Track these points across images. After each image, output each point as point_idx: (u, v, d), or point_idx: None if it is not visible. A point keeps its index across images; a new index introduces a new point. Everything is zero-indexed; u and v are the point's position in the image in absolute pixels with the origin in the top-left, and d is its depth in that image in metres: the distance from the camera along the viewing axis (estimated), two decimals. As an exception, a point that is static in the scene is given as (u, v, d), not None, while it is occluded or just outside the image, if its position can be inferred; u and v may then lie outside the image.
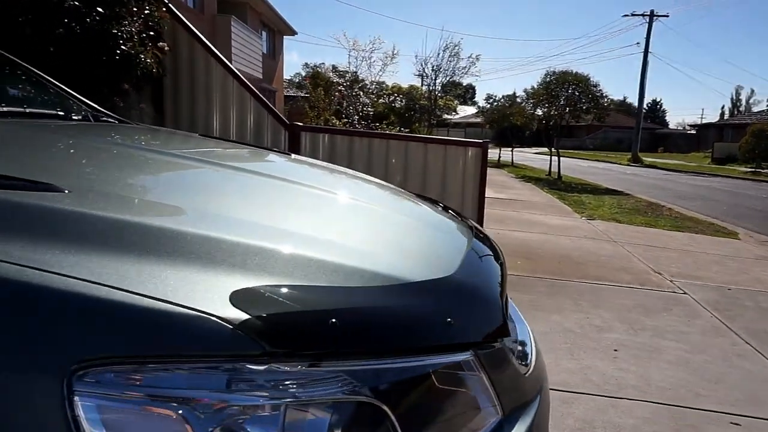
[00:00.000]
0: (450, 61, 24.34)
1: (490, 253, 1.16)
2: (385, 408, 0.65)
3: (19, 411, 0.52)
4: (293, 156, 2.00)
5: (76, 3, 3.65)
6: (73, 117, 1.74)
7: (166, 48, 4.59)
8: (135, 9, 4.18)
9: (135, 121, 4.38)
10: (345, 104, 14.80)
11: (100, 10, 3.77)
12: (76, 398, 0.53)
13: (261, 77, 20.36)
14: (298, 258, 0.76)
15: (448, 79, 25.65)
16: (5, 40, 3.59)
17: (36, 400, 0.53)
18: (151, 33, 4.28)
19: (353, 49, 21.05)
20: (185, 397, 0.56)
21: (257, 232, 0.79)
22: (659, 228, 8.46)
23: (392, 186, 1.71)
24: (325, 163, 2.02)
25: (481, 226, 4.65)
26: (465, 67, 24.67)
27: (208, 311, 0.59)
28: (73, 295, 0.56)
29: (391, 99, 23.88)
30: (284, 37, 26.39)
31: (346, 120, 14.05)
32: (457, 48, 24.23)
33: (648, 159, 33.06)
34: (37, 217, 0.69)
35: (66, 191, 0.78)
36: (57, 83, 2.15)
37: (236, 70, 4.90)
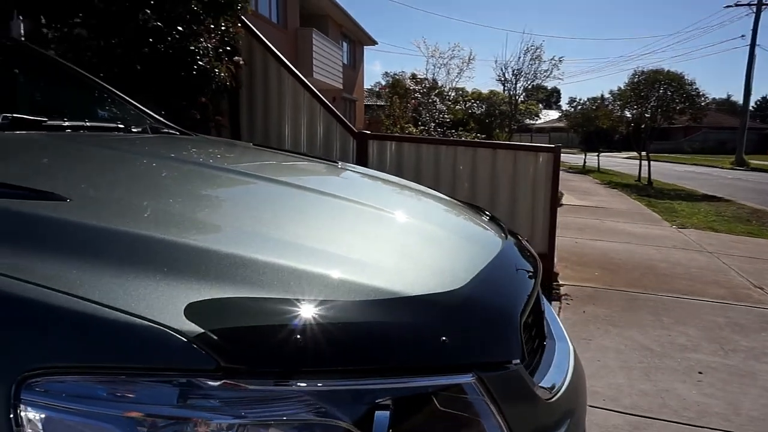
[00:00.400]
0: (531, 65, 23.63)
1: (519, 266, 1.07)
2: None
3: None
4: (339, 165, 2.00)
5: (159, 24, 3.90)
6: (133, 129, 1.85)
7: (242, 62, 4.79)
8: (212, 26, 4.41)
9: (213, 132, 4.62)
10: (422, 112, 14.79)
11: (180, 28, 4.01)
12: (21, 406, 0.54)
13: (341, 87, 20.85)
14: (281, 269, 0.73)
15: (530, 83, 24.92)
16: (102, 61, 3.92)
17: None
18: (227, 48, 4.49)
19: (431, 56, 21.05)
20: (136, 411, 0.55)
21: (246, 243, 0.77)
22: (764, 238, 7.68)
23: (432, 192, 1.65)
24: (365, 170, 2.00)
25: (552, 234, 4.43)
26: (547, 70, 23.84)
27: (163, 322, 0.58)
28: (26, 302, 0.57)
29: (467, 105, 23.57)
30: (365, 47, 26.90)
31: (423, 127, 14.04)
32: (538, 51, 23.47)
33: (755, 162, 30.21)
34: (16, 223, 0.71)
35: (68, 200, 0.80)
36: (124, 96, 2.29)
37: (307, 81, 5.03)
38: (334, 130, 4.92)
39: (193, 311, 0.60)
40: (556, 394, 0.93)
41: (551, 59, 23.61)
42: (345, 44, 23.58)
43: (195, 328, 0.58)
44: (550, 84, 36.30)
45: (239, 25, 4.68)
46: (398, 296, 0.74)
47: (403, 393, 0.67)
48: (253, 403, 0.58)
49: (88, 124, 1.66)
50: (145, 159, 1.29)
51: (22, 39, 3.96)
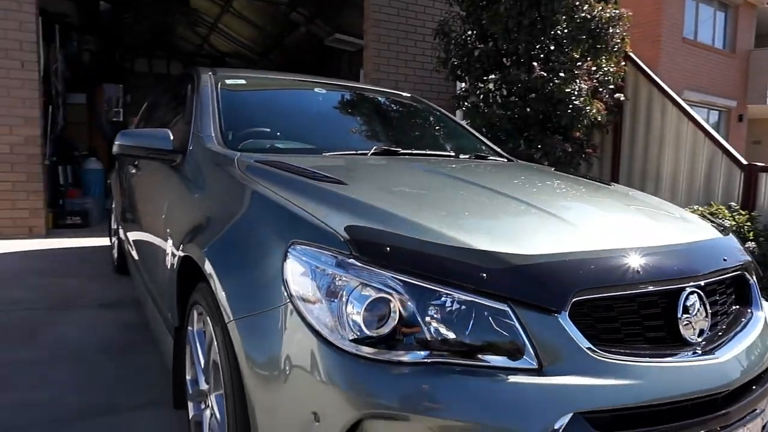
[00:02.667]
0: None
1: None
2: (409, 305, 1.12)
3: (265, 265, 1.28)
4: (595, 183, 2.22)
5: (543, 74, 4.63)
6: (461, 156, 2.59)
7: (622, 98, 5.03)
8: (593, 68, 4.86)
9: (582, 163, 5.01)
10: None
11: (561, 74, 4.64)
12: (289, 258, 1.25)
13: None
14: (431, 231, 1.22)
15: None
16: (502, 106, 4.94)
17: (273, 255, 1.28)
18: (610, 87, 4.83)
19: None
20: (324, 266, 1.18)
21: (431, 219, 1.26)
22: None
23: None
24: (583, 180, 2.15)
25: None
26: None
27: (334, 229, 1.21)
28: (280, 207, 1.34)
29: None
30: None
31: None
32: None
33: None
34: (321, 189, 1.47)
35: (346, 184, 1.55)
36: (477, 135, 3.09)
37: (691, 112, 4.81)
38: (718, 162, 4.55)
39: (350, 229, 1.22)
40: (621, 361, 1.12)
41: None
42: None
43: (345, 234, 1.20)
44: None
45: (623, 64, 4.95)
46: (475, 249, 1.17)
47: (457, 302, 1.12)
48: (368, 275, 1.14)
49: (428, 152, 2.51)
50: (427, 172, 1.96)
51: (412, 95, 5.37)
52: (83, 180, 7.23)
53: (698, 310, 1.31)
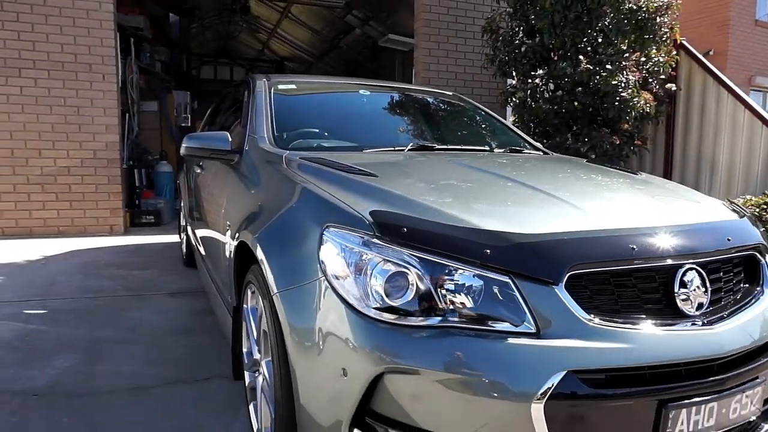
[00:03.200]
0: None
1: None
2: (424, 278, 1.29)
3: (304, 245, 1.50)
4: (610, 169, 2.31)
5: (590, 66, 4.65)
6: (495, 150, 2.73)
7: (674, 89, 4.94)
8: (642, 59, 4.81)
9: (631, 156, 4.95)
10: None
11: (608, 67, 4.64)
12: (324, 239, 1.46)
13: None
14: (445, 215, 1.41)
15: None
16: (549, 101, 4.99)
17: (311, 236, 1.50)
18: (650, 79, 4.78)
19: None
20: (346, 242, 1.38)
21: (452, 207, 1.45)
22: None
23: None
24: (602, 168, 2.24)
25: None
26: None
27: (362, 214, 1.41)
28: (319, 198, 1.55)
29: None
30: None
31: None
32: None
33: None
34: (352, 180, 1.66)
35: (377, 176, 1.74)
36: (516, 130, 3.20)
37: (748, 99, 4.67)
38: (777, 151, 4.41)
39: (375, 214, 1.41)
40: (604, 326, 1.27)
41: None
42: None
43: (370, 218, 1.39)
44: None
45: (673, 53, 4.87)
46: (481, 228, 1.33)
47: (465, 274, 1.28)
48: (389, 252, 1.33)
49: (463, 147, 2.66)
50: (453, 164, 2.11)
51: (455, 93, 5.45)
52: (156, 182, 7.82)
53: (697, 286, 1.42)
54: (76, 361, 2.61)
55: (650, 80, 4.88)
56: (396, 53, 11.89)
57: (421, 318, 1.30)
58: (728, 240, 1.54)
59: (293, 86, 3.07)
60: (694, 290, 1.41)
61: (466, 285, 1.31)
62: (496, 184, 1.81)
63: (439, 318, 1.30)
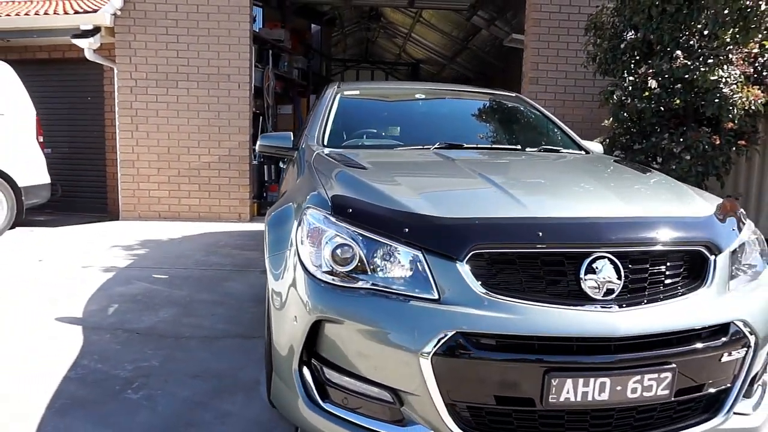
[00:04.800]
0: None
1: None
2: (361, 249, 1.60)
3: (290, 220, 1.87)
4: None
5: (687, 62, 4.39)
6: (527, 149, 2.85)
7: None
8: (756, 50, 4.39)
9: (734, 157, 4.54)
10: None
11: (709, 61, 4.34)
12: (301, 215, 1.82)
13: None
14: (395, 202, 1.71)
15: None
16: (649, 99, 4.79)
17: (296, 214, 1.84)
18: (765, 72, 4.33)
19: None
20: (319, 222, 1.74)
21: (401, 194, 1.74)
22: None
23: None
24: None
25: None
26: None
27: (328, 197, 1.74)
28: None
29: None
30: None
31: None
32: None
33: None
34: (355, 176, 2.00)
35: (367, 169, 2.05)
36: (563, 127, 3.26)
37: None
38: None
39: (335, 198, 1.73)
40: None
41: None
42: None
43: (330, 201, 1.72)
44: None
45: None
46: (404, 210, 1.61)
47: (389, 247, 1.56)
48: (336, 227, 1.67)
49: (491, 146, 2.85)
50: (448, 161, 2.33)
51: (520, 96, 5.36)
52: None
53: (608, 273, 1.53)
54: (173, 314, 3.32)
55: (764, 74, 4.43)
56: (521, 52, 11.74)
57: (352, 281, 1.62)
58: (656, 235, 1.62)
59: (357, 92, 3.49)
60: (604, 277, 1.53)
61: (390, 256, 1.61)
62: (462, 178, 2.05)
63: (365, 281, 1.61)
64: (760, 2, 3.99)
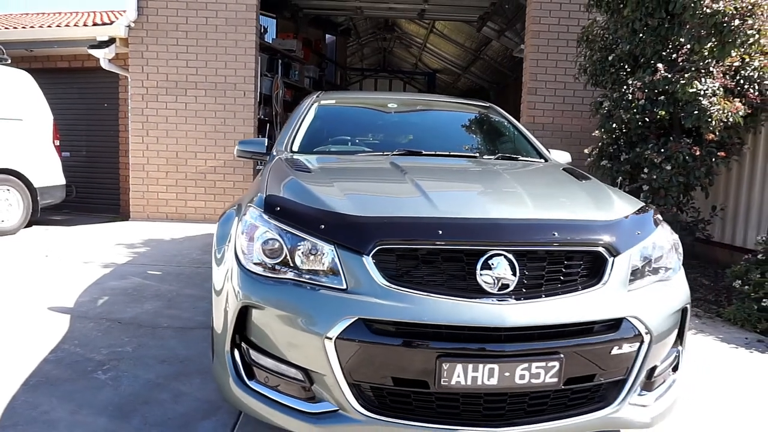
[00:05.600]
0: None
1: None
2: (286, 244, 1.77)
3: (236, 213, 2.07)
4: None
5: (668, 75, 4.48)
6: (484, 157, 2.98)
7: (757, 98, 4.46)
8: (737, 64, 4.45)
9: (714, 168, 4.59)
10: None
11: (688, 75, 4.41)
12: (242, 214, 2.01)
13: None
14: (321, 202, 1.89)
15: None
16: (630, 110, 4.88)
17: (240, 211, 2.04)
18: (746, 85, 4.38)
19: None
20: (255, 220, 1.92)
21: (329, 195, 1.92)
22: None
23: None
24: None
25: None
26: None
27: (264, 197, 1.93)
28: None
29: None
30: None
31: None
32: None
33: None
34: (295, 179, 2.19)
35: (312, 172, 2.23)
36: (528, 138, 3.39)
37: None
38: None
39: (269, 198, 1.93)
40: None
41: None
42: None
43: (264, 202, 1.91)
44: None
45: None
46: (322, 209, 1.79)
47: (308, 243, 1.73)
48: (266, 224, 1.85)
49: (448, 153, 2.99)
50: (390, 165, 2.49)
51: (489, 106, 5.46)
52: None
53: (503, 269, 1.68)
54: (157, 306, 3.54)
55: (746, 87, 4.47)
56: (531, 63, 11.82)
57: (276, 272, 1.80)
58: (554, 235, 1.75)
59: (334, 101, 3.68)
60: (499, 273, 1.67)
61: (308, 250, 1.78)
62: (393, 182, 2.22)
63: (287, 272, 1.78)
64: (735, 19, 4.06)
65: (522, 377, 1.63)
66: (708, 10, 4.08)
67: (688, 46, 4.51)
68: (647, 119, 4.82)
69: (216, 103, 7.18)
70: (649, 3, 4.58)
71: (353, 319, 1.63)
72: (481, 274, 1.68)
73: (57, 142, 6.84)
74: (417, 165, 2.63)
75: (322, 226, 1.77)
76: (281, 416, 1.73)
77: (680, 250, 2.09)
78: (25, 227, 6.44)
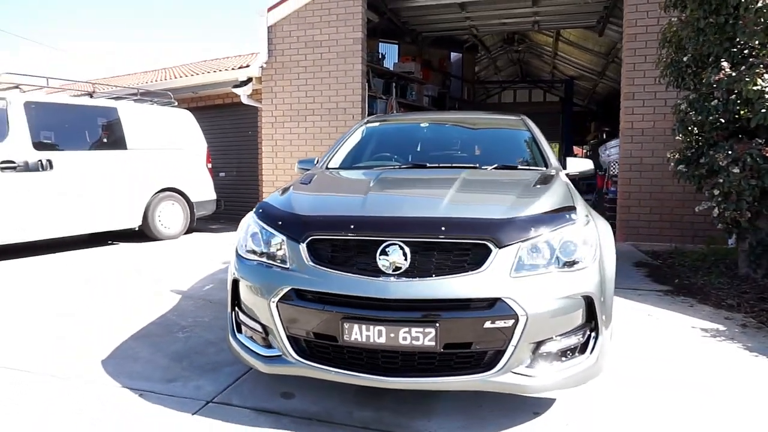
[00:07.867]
0: None
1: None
2: (262, 236, 2.49)
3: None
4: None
5: (732, 72, 4.32)
6: (484, 167, 3.36)
7: None
8: None
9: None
10: None
11: (756, 71, 4.21)
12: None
13: None
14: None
15: None
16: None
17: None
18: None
19: None
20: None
21: (299, 200, 2.62)
22: None
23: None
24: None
25: None
26: None
27: (259, 203, 2.65)
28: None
29: None
30: None
31: None
32: None
33: None
34: (289, 189, 2.91)
35: (308, 184, 2.92)
36: (540, 147, 3.67)
37: None
38: None
39: (260, 207, 2.63)
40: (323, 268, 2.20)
41: None
42: None
43: (257, 207, 2.62)
44: None
45: None
46: (284, 211, 2.47)
47: (273, 236, 2.42)
48: (255, 223, 2.57)
49: (452, 165, 3.45)
50: (380, 175, 3.03)
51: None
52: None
53: (397, 255, 2.19)
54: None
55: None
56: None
57: (255, 256, 2.53)
58: (441, 230, 2.20)
59: (377, 123, 4.35)
60: (393, 258, 2.19)
61: (273, 241, 2.48)
62: (354, 189, 2.84)
63: (260, 256, 2.50)
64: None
65: (405, 339, 2.11)
66: (760, 4, 3.91)
67: (757, 42, 4.30)
68: (722, 120, 4.65)
69: (330, 126, 8.27)
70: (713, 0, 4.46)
71: (288, 288, 2.28)
72: (380, 259, 2.22)
73: (209, 165, 8.49)
74: (400, 177, 3.18)
75: (280, 223, 2.47)
76: (249, 358, 2.44)
77: (595, 243, 2.35)
78: (185, 233, 8.12)
